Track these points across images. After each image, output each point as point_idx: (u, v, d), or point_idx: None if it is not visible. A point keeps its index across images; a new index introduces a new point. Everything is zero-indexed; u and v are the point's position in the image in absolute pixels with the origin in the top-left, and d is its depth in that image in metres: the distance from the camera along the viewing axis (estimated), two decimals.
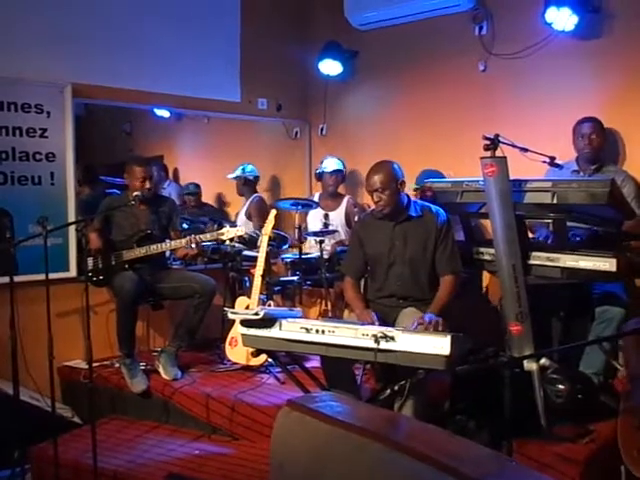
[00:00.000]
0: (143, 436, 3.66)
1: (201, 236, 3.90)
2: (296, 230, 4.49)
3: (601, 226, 3.25)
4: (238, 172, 5.36)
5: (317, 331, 2.83)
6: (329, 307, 4.57)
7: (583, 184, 2.98)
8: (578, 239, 3.36)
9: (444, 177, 4.12)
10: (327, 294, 4.52)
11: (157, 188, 5.71)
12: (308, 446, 1.71)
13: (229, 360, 4.12)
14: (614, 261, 2.94)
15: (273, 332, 2.92)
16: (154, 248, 3.95)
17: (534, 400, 3.04)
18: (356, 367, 3.39)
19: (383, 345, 2.65)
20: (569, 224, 3.19)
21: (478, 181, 3.24)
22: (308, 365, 3.59)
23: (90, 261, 4.00)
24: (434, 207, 3.32)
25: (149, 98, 4.61)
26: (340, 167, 4.92)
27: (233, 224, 4.40)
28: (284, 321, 2.92)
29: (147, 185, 3.97)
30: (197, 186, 6.15)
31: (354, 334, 2.75)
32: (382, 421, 1.89)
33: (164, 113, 6.23)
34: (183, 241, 3.89)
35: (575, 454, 2.82)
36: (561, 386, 3.13)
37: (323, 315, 4.58)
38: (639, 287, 3.65)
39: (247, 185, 5.36)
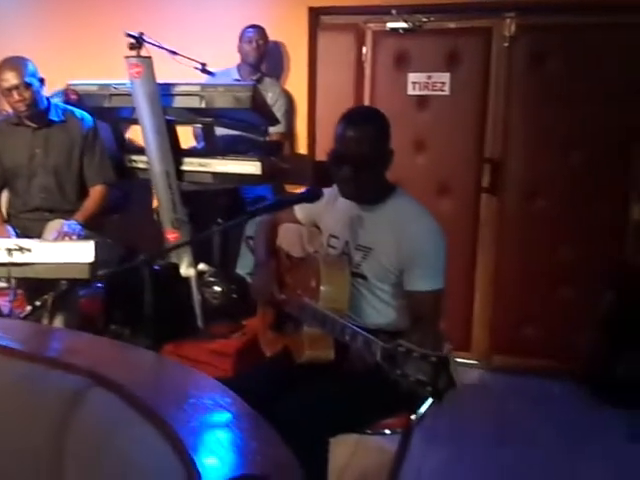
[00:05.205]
0: None
1: None
2: None
3: (247, 132, 3.38)
4: None
5: None
6: None
7: (228, 88, 3.03)
8: None
9: None
10: None
11: None
12: None
13: None
14: (259, 164, 3.09)
15: None
16: None
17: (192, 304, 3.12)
18: (4, 293, 3.06)
19: (18, 258, 2.41)
20: None
21: (126, 84, 3.08)
22: None
23: None
24: (78, 111, 3.08)
25: None
26: None
27: None
28: None
29: None
30: None
31: None
32: None
33: None
34: None
35: (228, 348, 2.98)
36: (217, 288, 3.27)
37: None
38: (287, 191, 3.90)
39: None
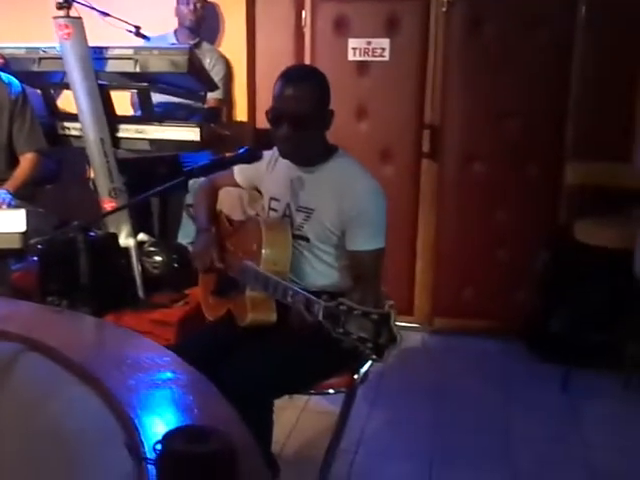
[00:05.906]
0: None
1: None
2: None
3: (186, 98, 3.30)
4: None
5: None
6: None
7: (163, 52, 2.92)
8: None
9: None
10: None
11: None
12: None
13: None
14: (198, 130, 3.02)
15: None
16: None
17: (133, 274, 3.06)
18: None
19: None
20: None
21: (56, 47, 2.94)
22: None
23: None
24: (5, 76, 2.95)
25: None
26: None
27: None
28: None
29: None
30: None
31: None
32: None
33: None
34: None
35: (170, 317, 2.93)
36: (158, 258, 3.21)
37: None
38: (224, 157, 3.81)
39: None
